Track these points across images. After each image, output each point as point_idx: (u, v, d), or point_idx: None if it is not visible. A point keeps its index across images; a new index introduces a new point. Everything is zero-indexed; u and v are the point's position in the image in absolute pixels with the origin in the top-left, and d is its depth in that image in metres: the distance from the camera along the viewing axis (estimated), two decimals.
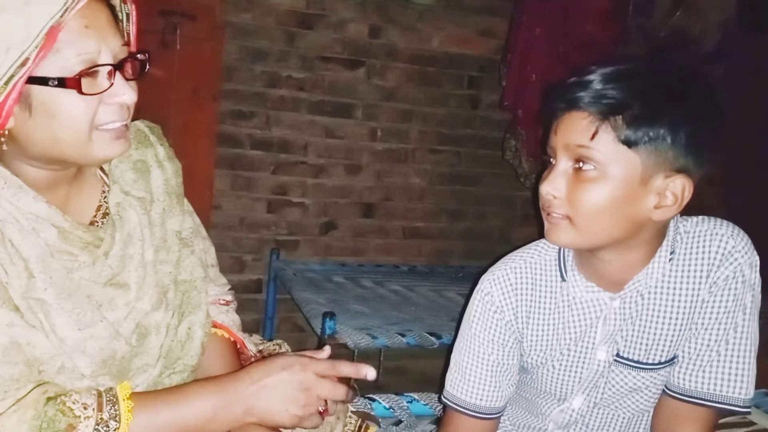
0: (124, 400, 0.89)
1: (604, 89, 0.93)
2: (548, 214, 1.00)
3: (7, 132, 0.85)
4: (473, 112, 3.28)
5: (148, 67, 0.94)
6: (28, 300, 0.87)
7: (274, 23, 2.90)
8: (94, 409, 0.87)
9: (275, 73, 2.93)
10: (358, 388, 1.20)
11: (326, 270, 2.97)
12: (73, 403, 0.87)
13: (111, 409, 0.88)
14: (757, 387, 1.07)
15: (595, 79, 0.94)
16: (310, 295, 2.49)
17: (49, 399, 0.86)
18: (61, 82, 0.83)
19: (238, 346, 1.21)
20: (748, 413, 1.24)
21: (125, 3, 0.93)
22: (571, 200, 0.96)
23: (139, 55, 0.93)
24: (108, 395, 0.90)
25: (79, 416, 0.86)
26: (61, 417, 0.85)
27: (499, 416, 1.19)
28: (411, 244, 3.28)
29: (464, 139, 3.28)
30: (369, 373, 1.00)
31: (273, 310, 2.97)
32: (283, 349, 1.32)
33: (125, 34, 0.93)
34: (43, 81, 0.83)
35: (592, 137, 0.93)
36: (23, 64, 0.80)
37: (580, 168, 0.95)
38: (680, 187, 0.95)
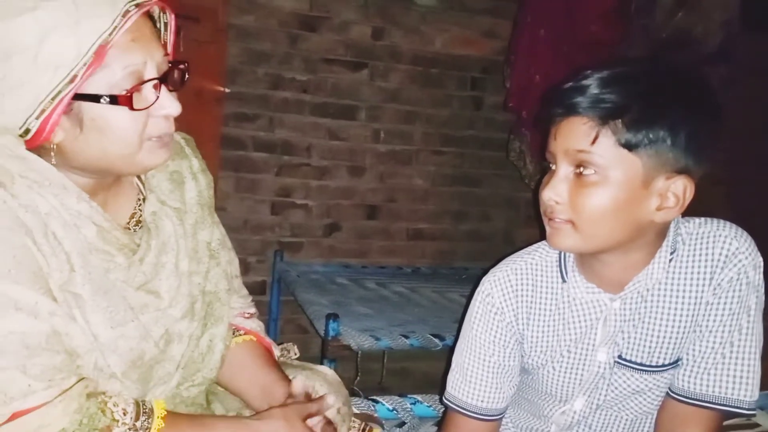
0: (158, 417, 0.92)
1: (601, 93, 0.93)
2: (550, 220, 1.00)
3: (55, 146, 0.88)
4: (476, 113, 3.28)
5: (187, 77, 0.96)
6: (65, 293, 0.88)
7: (277, 25, 2.90)
8: (131, 417, 0.90)
9: (278, 75, 2.94)
10: (361, 390, 1.22)
11: (330, 271, 2.97)
12: (114, 405, 0.90)
13: (145, 421, 0.91)
14: (761, 388, 1.07)
15: (592, 83, 0.94)
16: (314, 297, 2.49)
17: (89, 395, 0.88)
18: (113, 100, 0.86)
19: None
20: (754, 415, 1.24)
21: (164, 12, 0.95)
22: (574, 205, 0.96)
23: (180, 65, 0.95)
24: (144, 407, 0.92)
25: (118, 420, 0.89)
26: (101, 416, 0.88)
27: (500, 418, 1.19)
28: (414, 245, 3.28)
29: (467, 141, 3.28)
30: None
31: (277, 312, 2.97)
32: (291, 354, 1.34)
33: (163, 42, 0.95)
34: (94, 98, 0.85)
35: (593, 142, 0.93)
36: (71, 81, 0.82)
37: (581, 173, 0.95)
38: (681, 188, 0.95)
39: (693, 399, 1.06)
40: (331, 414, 1.14)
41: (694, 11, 2.98)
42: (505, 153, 3.12)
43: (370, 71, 3.07)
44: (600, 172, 0.93)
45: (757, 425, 1.49)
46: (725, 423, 1.16)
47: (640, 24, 3.05)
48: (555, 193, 0.97)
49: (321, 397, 1.14)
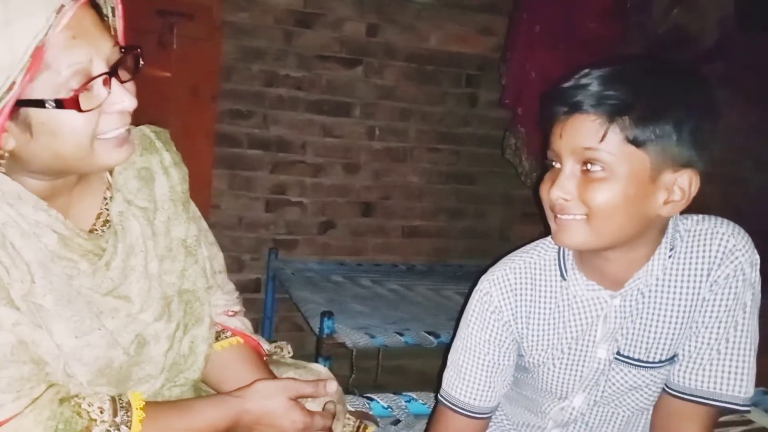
0: (137, 409, 0.91)
1: (605, 90, 0.92)
2: (557, 217, 1.00)
3: (7, 154, 0.84)
4: (471, 110, 3.27)
5: (141, 63, 0.91)
6: (28, 303, 0.86)
7: (272, 22, 2.89)
8: (109, 414, 0.89)
9: (273, 72, 2.93)
10: (356, 388, 1.22)
11: (325, 269, 2.96)
12: (89, 405, 0.88)
13: (124, 415, 0.90)
14: (756, 385, 1.07)
15: (594, 81, 0.94)
16: (309, 295, 2.49)
17: (62, 400, 0.87)
18: (59, 104, 0.81)
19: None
20: (748, 411, 1.24)
21: None
22: (584, 201, 0.96)
23: (132, 52, 0.89)
24: (121, 402, 0.91)
25: (96, 419, 0.88)
26: (77, 419, 0.87)
27: (490, 416, 1.19)
28: (410, 243, 3.27)
29: (463, 138, 3.27)
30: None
31: (272, 310, 2.97)
32: (285, 352, 1.33)
33: (113, 30, 0.90)
34: (39, 104, 0.80)
35: (601, 139, 0.92)
36: (10, 88, 0.78)
37: (587, 170, 0.95)
38: (687, 181, 0.95)
39: (688, 395, 1.06)
40: (329, 407, 1.13)
41: (690, 9, 2.99)
42: (501, 150, 3.12)
43: (364, 68, 3.07)
44: (607, 168, 0.93)
45: (750, 422, 1.49)
46: (720, 419, 1.16)
47: (637, 21, 3.06)
48: (563, 191, 0.97)
49: (319, 380, 1.11)
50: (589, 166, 0.94)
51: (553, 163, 1.00)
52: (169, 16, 2.68)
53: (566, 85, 0.97)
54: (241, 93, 2.89)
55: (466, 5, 3.15)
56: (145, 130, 1.08)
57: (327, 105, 3.03)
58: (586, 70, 0.96)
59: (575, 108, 0.94)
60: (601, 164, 0.93)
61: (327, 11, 2.96)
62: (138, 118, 0.94)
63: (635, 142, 0.92)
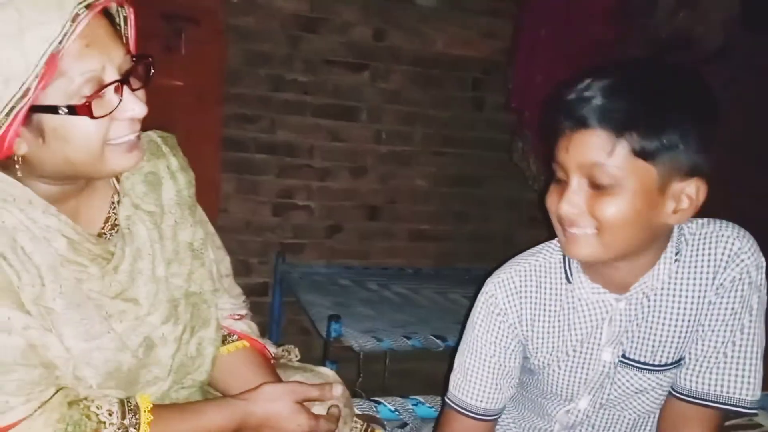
0: (145, 411, 0.93)
1: (609, 104, 0.91)
2: (566, 229, 0.99)
3: (20, 158, 0.85)
4: (477, 114, 3.27)
5: (152, 71, 0.93)
6: (38, 307, 0.87)
7: (278, 27, 2.90)
8: (118, 417, 0.90)
9: (279, 76, 2.94)
10: (363, 391, 1.22)
11: (332, 273, 2.97)
12: (97, 408, 0.90)
13: (132, 417, 0.91)
14: (763, 388, 1.06)
15: (597, 93, 0.92)
16: (316, 298, 2.49)
17: (71, 403, 0.88)
18: (72, 110, 0.83)
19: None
20: (755, 415, 1.24)
21: (122, 6, 0.91)
22: (593, 215, 0.95)
23: (144, 60, 0.91)
24: (129, 405, 0.92)
25: (104, 422, 0.89)
26: (86, 421, 0.88)
27: (497, 418, 1.20)
28: (416, 246, 3.27)
29: (469, 142, 3.27)
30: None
31: (279, 313, 2.97)
32: (292, 355, 1.33)
33: (124, 39, 0.92)
34: (53, 110, 0.82)
35: (609, 155, 0.91)
36: (24, 95, 0.79)
37: (595, 184, 0.94)
38: (695, 190, 0.95)
39: (695, 398, 1.06)
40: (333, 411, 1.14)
41: (694, 11, 2.98)
42: (507, 154, 3.13)
43: (371, 72, 3.07)
44: (616, 182, 0.93)
45: (759, 425, 1.48)
46: (727, 423, 1.16)
47: (641, 24, 3.05)
48: (572, 206, 0.96)
49: (325, 384, 1.12)
50: (597, 179, 0.94)
51: (560, 176, 0.99)
52: (175, 21, 2.69)
53: (569, 97, 0.95)
54: (247, 97, 2.90)
55: (470, 9, 3.15)
56: (152, 135, 1.09)
57: (333, 109, 3.04)
58: (588, 81, 0.94)
59: (581, 123, 0.93)
60: (609, 179, 0.93)
61: (333, 16, 2.97)
62: (144, 122, 0.95)
63: (643, 155, 0.91)
